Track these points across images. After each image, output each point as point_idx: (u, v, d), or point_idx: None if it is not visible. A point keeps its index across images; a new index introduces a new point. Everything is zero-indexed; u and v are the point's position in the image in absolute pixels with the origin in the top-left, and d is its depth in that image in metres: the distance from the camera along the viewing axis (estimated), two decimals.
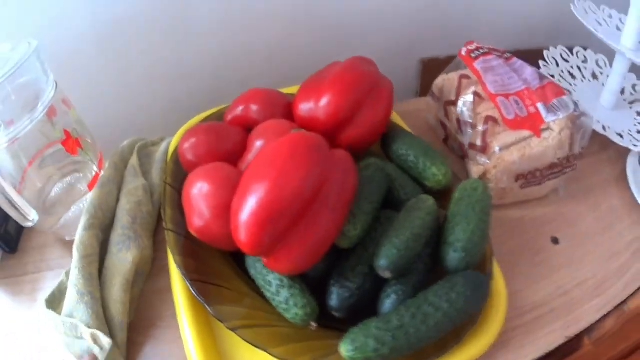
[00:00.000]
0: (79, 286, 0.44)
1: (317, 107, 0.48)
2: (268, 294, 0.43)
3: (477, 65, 0.53)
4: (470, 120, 0.51)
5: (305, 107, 0.49)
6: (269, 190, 0.38)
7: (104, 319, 0.44)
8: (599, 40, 0.60)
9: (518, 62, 0.55)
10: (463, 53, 0.55)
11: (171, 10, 0.59)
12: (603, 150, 0.64)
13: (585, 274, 0.52)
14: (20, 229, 0.54)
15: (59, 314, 0.44)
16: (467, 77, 0.55)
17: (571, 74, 0.68)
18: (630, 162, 0.61)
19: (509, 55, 0.56)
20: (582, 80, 0.69)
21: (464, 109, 0.52)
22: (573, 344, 0.55)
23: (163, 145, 0.57)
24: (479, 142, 0.50)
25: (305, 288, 0.42)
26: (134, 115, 0.66)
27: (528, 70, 0.54)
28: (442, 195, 0.49)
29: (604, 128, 0.61)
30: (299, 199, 0.38)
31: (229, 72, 0.66)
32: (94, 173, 0.52)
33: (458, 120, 0.53)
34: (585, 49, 0.71)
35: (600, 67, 0.71)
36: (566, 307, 0.49)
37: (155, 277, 0.50)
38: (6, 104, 0.45)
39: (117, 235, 0.48)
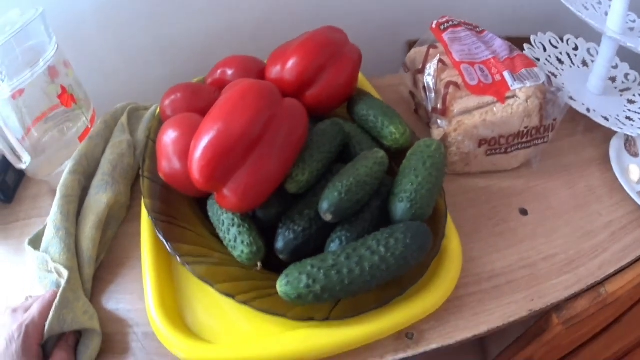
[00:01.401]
0: (56, 222, 0.49)
1: (283, 69, 0.51)
2: (220, 233, 0.46)
3: (445, 35, 0.55)
4: (434, 86, 0.52)
5: (274, 70, 0.52)
6: (218, 129, 0.41)
7: (74, 253, 0.47)
8: (591, 30, 0.59)
9: (489, 35, 0.56)
10: (433, 26, 0.57)
11: None
12: (588, 132, 0.63)
13: (554, 248, 0.51)
14: (18, 180, 0.60)
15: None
16: (435, 47, 0.57)
17: (559, 60, 0.67)
18: (614, 143, 0.59)
19: (481, 29, 0.57)
20: (571, 67, 0.68)
21: (429, 76, 0.53)
22: (542, 323, 0.53)
23: (152, 108, 0.62)
24: (439, 106, 0.51)
25: (254, 228, 0.44)
26: (129, 83, 0.71)
27: (498, 42, 0.55)
28: (402, 155, 0.50)
29: (588, 110, 0.60)
30: (245, 136, 0.41)
31: (216, 47, 0.70)
32: (85, 126, 0.57)
33: (424, 88, 0.54)
34: (577, 38, 0.70)
35: (592, 55, 0.70)
36: (529, 280, 0.48)
37: (130, 223, 0.54)
38: (13, 63, 0.51)
39: (97, 180, 0.53)
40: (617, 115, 0.61)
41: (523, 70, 0.52)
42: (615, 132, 0.60)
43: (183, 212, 0.50)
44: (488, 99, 0.51)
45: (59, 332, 0.41)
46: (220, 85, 0.55)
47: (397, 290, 0.42)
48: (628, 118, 0.60)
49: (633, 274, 0.51)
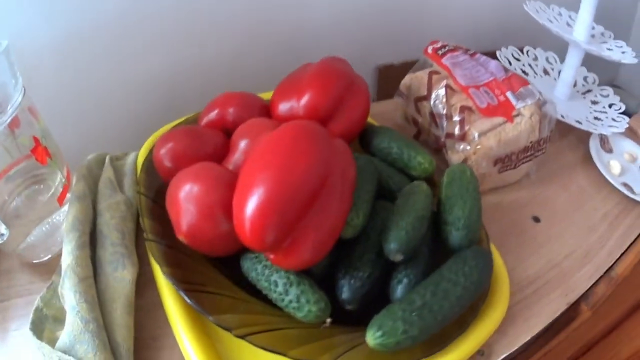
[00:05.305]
0: (82, 312, 0.39)
1: (298, 105, 0.48)
2: (274, 295, 0.41)
3: (445, 61, 0.57)
4: (445, 112, 0.53)
5: (285, 107, 0.49)
6: (274, 180, 0.37)
7: (110, 349, 0.39)
8: (547, 40, 0.65)
9: (482, 57, 0.59)
10: (429, 51, 0.58)
11: (125, 26, 0.58)
12: (563, 137, 0.69)
13: (570, 246, 0.55)
14: None
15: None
16: (437, 72, 0.58)
17: (524, 72, 0.73)
18: (592, 144, 0.66)
19: (472, 51, 0.60)
20: (535, 77, 0.74)
21: (438, 102, 0.54)
22: (571, 311, 0.57)
23: (130, 158, 0.55)
24: (457, 131, 0.53)
25: (314, 284, 0.41)
26: (94, 130, 0.63)
27: (492, 64, 0.58)
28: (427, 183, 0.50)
29: (562, 116, 0.65)
30: (306, 187, 0.37)
31: (188, 85, 0.64)
32: (59, 183, 0.48)
33: (432, 114, 0.55)
34: (534, 48, 0.77)
35: (551, 63, 0.77)
36: (560, 277, 0.52)
37: (140, 294, 0.46)
38: None
39: (109, 253, 0.44)
40: (587, 117, 0.67)
41: (521, 89, 0.55)
42: (586, 133, 0.66)
43: (204, 275, 0.44)
44: (498, 119, 0.53)
45: None
46: (220, 126, 0.50)
47: (470, 313, 0.42)
48: (596, 118, 0.67)
49: (633, 254, 0.57)
